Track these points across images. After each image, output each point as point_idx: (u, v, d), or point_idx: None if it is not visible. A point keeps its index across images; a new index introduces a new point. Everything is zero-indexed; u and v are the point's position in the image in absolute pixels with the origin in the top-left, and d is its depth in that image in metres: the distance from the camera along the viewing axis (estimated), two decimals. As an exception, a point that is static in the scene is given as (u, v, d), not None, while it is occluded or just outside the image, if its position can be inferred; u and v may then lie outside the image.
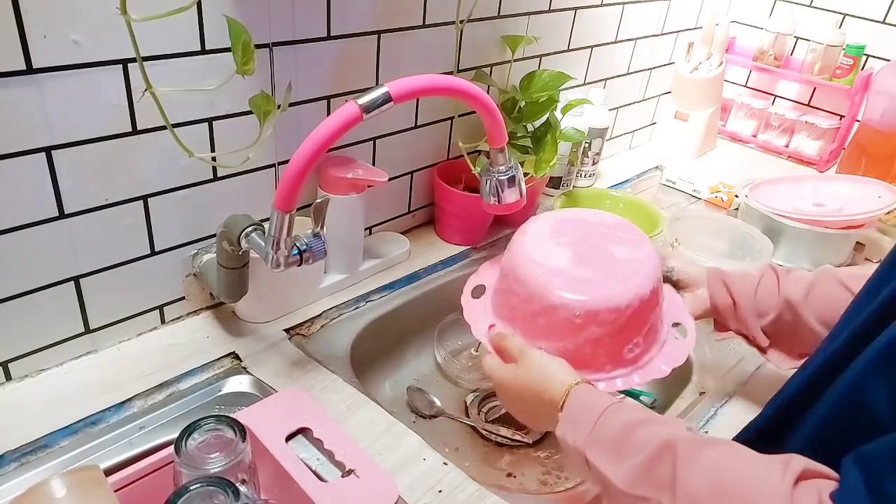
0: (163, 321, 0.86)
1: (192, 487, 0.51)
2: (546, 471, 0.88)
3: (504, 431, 0.91)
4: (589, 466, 0.56)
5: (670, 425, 0.54)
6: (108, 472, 0.56)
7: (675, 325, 0.77)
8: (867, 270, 0.61)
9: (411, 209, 1.13)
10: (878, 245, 1.22)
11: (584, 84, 1.37)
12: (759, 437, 0.63)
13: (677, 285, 0.83)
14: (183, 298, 0.86)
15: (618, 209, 1.24)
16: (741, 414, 0.82)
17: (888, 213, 1.14)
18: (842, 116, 1.58)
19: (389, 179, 0.95)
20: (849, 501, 0.41)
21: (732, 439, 0.63)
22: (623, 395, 0.63)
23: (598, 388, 0.63)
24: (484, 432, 0.91)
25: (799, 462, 0.45)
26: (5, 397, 0.73)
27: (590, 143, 1.33)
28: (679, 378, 0.94)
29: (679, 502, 0.48)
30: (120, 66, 0.68)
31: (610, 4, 1.31)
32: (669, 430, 0.53)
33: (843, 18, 1.55)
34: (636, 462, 0.52)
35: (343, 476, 0.64)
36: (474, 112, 0.73)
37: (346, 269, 0.97)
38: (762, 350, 0.79)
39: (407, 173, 1.09)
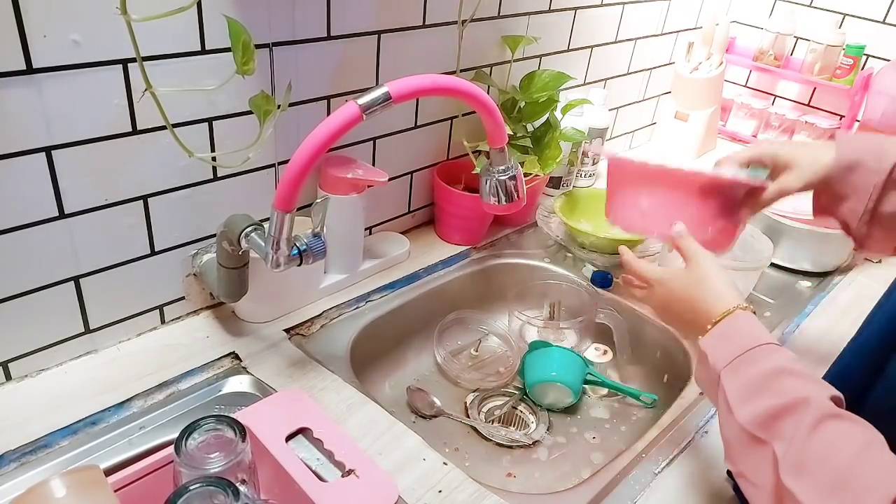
0: (163, 321, 0.86)
1: (192, 487, 0.51)
2: (546, 471, 0.88)
3: (504, 431, 0.91)
4: (718, 388, 0.55)
5: (818, 385, 0.52)
6: (108, 472, 0.56)
7: None
8: None
9: (411, 209, 1.13)
10: (879, 245, 1.22)
11: (584, 84, 1.37)
12: None
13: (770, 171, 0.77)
14: (183, 298, 0.86)
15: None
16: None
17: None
18: (842, 116, 1.58)
19: (389, 179, 0.95)
20: None
21: None
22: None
23: (758, 322, 0.60)
24: (484, 432, 0.91)
25: None
26: (5, 397, 0.73)
27: (590, 143, 1.33)
28: (679, 377, 0.94)
29: (789, 459, 0.47)
30: (120, 66, 0.68)
31: (610, 4, 1.31)
32: (813, 389, 0.51)
33: (843, 18, 1.55)
34: (767, 405, 0.51)
35: (343, 476, 0.64)
36: (475, 112, 0.73)
37: (346, 269, 0.98)
38: (860, 242, 0.72)
39: (407, 173, 1.09)
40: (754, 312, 0.61)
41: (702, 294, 0.62)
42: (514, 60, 1.13)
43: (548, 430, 0.93)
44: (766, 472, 0.49)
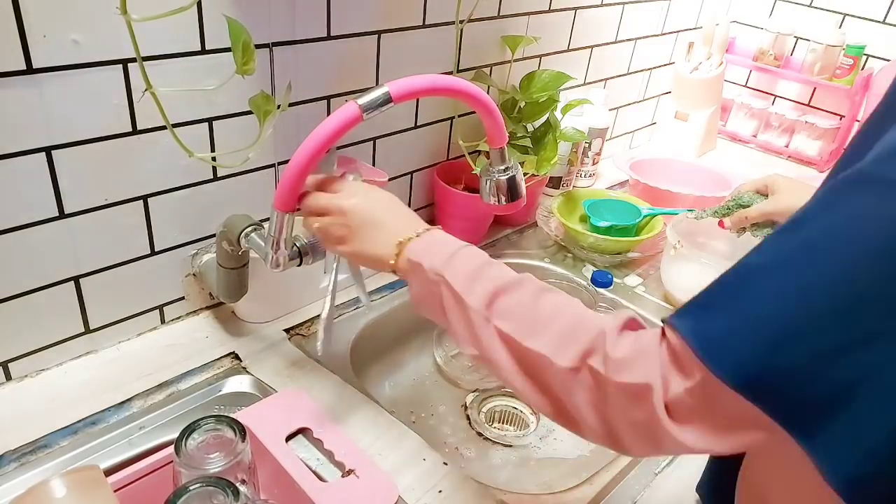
0: (163, 321, 0.86)
1: (191, 487, 0.51)
2: (546, 471, 0.88)
3: (504, 431, 0.91)
4: (441, 284, 0.59)
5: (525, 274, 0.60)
6: (108, 472, 0.56)
7: None
8: None
9: (411, 209, 1.13)
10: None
11: (584, 84, 1.37)
12: None
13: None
14: (183, 298, 0.86)
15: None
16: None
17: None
18: (842, 116, 1.58)
19: (389, 179, 0.95)
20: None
21: None
22: None
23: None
24: (484, 432, 0.91)
25: (624, 313, 0.51)
26: (5, 397, 0.73)
27: (590, 143, 1.33)
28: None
29: (524, 327, 0.53)
30: (120, 66, 0.68)
31: (610, 4, 1.31)
32: (524, 274, 0.58)
33: (843, 18, 1.55)
34: (490, 287, 0.56)
35: (343, 476, 0.64)
36: (474, 112, 0.73)
37: (346, 270, 0.97)
38: None
39: (407, 173, 1.09)
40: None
41: (395, 214, 0.66)
42: (514, 60, 1.13)
43: (548, 430, 0.93)
44: (497, 345, 0.54)
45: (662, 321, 0.47)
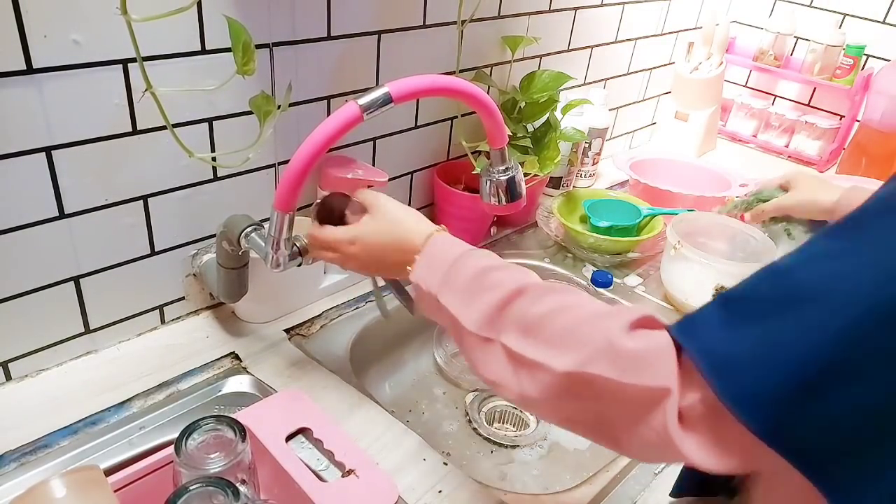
0: (163, 321, 0.86)
1: (191, 487, 0.51)
2: (546, 471, 0.88)
3: (504, 431, 0.91)
4: (440, 309, 0.57)
5: (522, 272, 0.55)
6: (108, 472, 0.56)
7: None
8: None
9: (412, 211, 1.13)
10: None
11: (584, 84, 1.37)
12: None
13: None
14: (183, 298, 0.86)
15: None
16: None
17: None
18: (842, 116, 1.58)
19: (389, 179, 0.95)
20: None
21: None
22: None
23: (456, 238, 0.63)
24: (484, 432, 0.91)
25: (640, 309, 0.47)
26: (5, 397, 0.73)
27: (590, 143, 1.33)
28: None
29: (524, 336, 0.49)
30: (120, 66, 0.68)
31: (610, 4, 1.31)
32: (521, 277, 0.54)
33: (843, 18, 1.55)
34: (486, 303, 0.53)
35: (343, 476, 0.64)
36: (474, 112, 0.73)
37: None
38: None
39: (407, 173, 1.09)
40: (446, 229, 0.64)
41: (400, 234, 0.63)
42: (515, 60, 1.13)
43: (548, 430, 0.93)
44: (502, 363, 0.51)
45: (669, 330, 0.43)
